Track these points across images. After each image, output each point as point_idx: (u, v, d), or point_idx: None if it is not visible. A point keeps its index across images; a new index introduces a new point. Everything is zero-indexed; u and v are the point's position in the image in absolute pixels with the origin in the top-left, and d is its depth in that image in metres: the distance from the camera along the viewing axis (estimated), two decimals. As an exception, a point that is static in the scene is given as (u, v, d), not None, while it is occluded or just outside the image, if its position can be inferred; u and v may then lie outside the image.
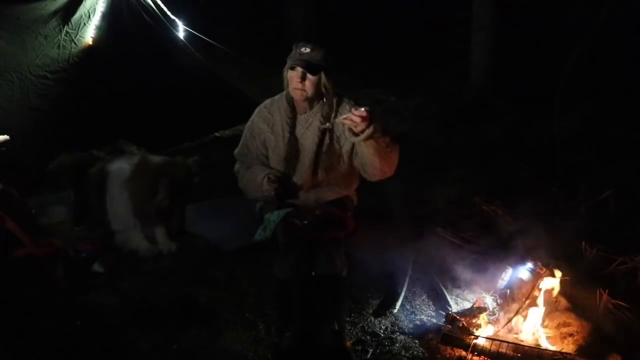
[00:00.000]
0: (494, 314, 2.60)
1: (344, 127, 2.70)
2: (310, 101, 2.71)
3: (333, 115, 2.70)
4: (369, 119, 2.42)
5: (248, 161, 2.85)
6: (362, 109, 2.43)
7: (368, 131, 2.46)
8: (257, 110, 2.82)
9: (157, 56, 4.49)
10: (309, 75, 2.61)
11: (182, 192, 2.83)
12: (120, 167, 2.93)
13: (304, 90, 2.64)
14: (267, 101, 2.80)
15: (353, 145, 2.70)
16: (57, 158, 3.23)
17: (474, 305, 2.64)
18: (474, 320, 2.55)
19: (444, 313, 2.63)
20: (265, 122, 2.77)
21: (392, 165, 2.65)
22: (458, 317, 2.55)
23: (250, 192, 2.78)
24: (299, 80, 2.62)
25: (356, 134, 2.49)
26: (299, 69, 2.61)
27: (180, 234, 2.99)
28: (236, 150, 2.90)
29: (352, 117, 2.43)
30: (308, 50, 2.60)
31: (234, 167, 2.89)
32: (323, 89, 2.66)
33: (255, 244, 2.74)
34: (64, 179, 3.16)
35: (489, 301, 2.69)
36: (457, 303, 2.74)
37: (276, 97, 2.76)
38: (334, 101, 2.72)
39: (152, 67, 4.41)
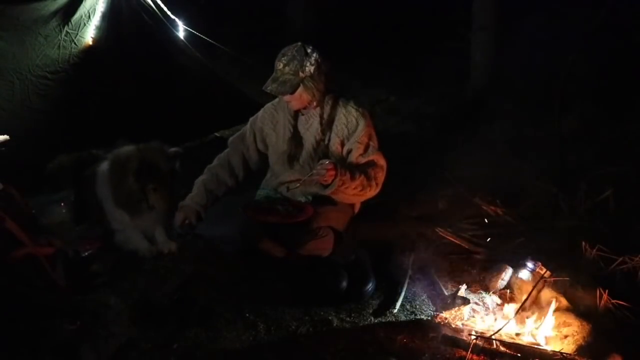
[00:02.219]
0: (494, 314, 2.60)
1: (346, 128, 2.73)
2: (309, 104, 2.74)
3: (328, 113, 2.74)
4: (334, 170, 2.54)
5: (235, 150, 2.94)
6: (327, 161, 2.57)
7: (332, 187, 2.58)
8: (265, 106, 2.91)
9: (157, 56, 4.49)
10: (287, 95, 2.67)
11: (156, 174, 2.77)
12: (104, 166, 2.94)
13: (293, 104, 2.69)
14: (276, 100, 2.87)
15: (350, 150, 2.74)
16: (57, 158, 3.23)
17: (455, 296, 2.67)
18: (460, 313, 2.57)
19: (437, 314, 2.64)
20: (270, 118, 2.85)
21: (368, 197, 2.80)
22: (445, 317, 2.57)
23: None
24: (285, 98, 2.69)
25: (324, 186, 2.62)
26: None
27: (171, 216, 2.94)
28: (231, 138, 2.97)
29: (319, 172, 2.56)
30: (281, 66, 2.64)
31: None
32: (311, 97, 2.68)
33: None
34: (63, 179, 3.15)
35: (489, 301, 2.69)
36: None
37: None
38: (331, 101, 2.75)
39: (152, 67, 4.41)
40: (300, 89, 2.64)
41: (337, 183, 2.58)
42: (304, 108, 2.76)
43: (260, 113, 2.90)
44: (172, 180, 2.76)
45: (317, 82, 2.65)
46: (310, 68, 2.62)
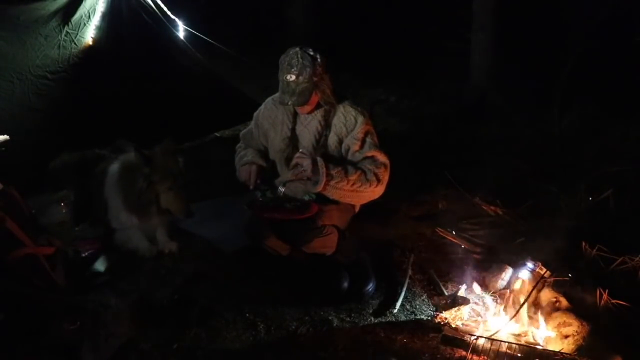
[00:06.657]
0: (494, 314, 2.60)
1: (344, 127, 2.73)
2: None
3: (327, 112, 2.74)
4: (308, 158, 2.57)
5: (249, 143, 3.00)
6: (297, 154, 2.60)
7: (320, 181, 2.57)
8: (266, 101, 2.92)
9: (157, 56, 4.49)
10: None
11: (166, 176, 2.78)
12: (113, 168, 2.94)
13: (307, 108, 2.70)
14: (277, 94, 2.80)
15: (348, 148, 2.73)
16: (60, 156, 3.23)
17: (456, 296, 2.67)
18: (460, 313, 2.57)
19: (437, 314, 2.64)
20: (268, 114, 2.86)
21: (372, 196, 2.73)
22: (445, 317, 2.57)
23: (238, 171, 2.93)
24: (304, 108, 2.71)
25: (313, 183, 2.60)
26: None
27: (188, 216, 2.86)
28: (242, 131, 3.05)
29: (297, 164, 2.59)
30: (293, 77, 2.59)
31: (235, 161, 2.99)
32: (324, 96, 2.69)
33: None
34: (66, 177, 3.15)
35: (489, 301, 2.69)
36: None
37: None
38: (330, 101, 2.75)
39: (152, 67, 4.41)
40: (314, 93, 2.65)
41: (323, 175, 2.54)
42: (306, 111, 2.76)
43: (261, 107, 2.92)
44: (184, 179, 2.76)
45: (326, 81, 2.66)
46: (319, 70, 2.62)
